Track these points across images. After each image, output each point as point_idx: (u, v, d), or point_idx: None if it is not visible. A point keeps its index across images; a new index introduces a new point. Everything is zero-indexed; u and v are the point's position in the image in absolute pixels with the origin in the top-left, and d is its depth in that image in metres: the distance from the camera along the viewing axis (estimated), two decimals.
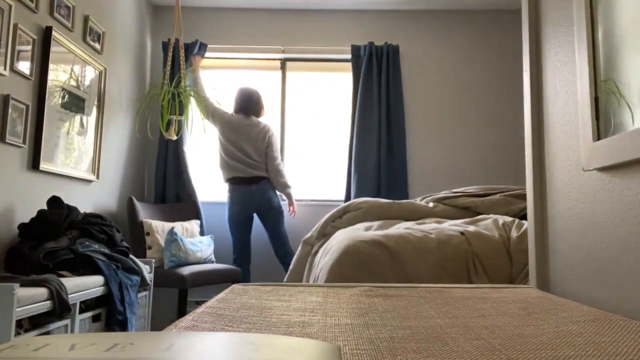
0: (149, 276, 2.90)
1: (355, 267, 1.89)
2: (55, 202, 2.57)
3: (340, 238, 2.12)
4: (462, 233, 2.05)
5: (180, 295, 3.37)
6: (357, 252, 1.92)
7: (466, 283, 1.91)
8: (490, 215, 2.37)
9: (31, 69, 2.61)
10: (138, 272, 2.71)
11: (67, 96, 2.97)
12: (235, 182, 3.72)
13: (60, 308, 2.02)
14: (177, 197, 4.11)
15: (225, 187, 3.85)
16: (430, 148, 4.35)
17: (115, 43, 3.64)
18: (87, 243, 2.53)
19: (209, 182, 4.32)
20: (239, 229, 3.73)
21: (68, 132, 2.99)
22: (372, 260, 1.91)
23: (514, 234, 2.07)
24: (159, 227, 3.54)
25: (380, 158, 4.17)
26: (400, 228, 2.22)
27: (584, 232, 1.23)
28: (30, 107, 2.60)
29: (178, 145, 4.13)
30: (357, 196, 4.03)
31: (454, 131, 4.36)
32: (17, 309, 1.80)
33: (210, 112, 3.86)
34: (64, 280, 2.15)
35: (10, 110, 2.43)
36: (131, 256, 2.78)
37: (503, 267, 1.97)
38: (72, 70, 3.02)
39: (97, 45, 3.32)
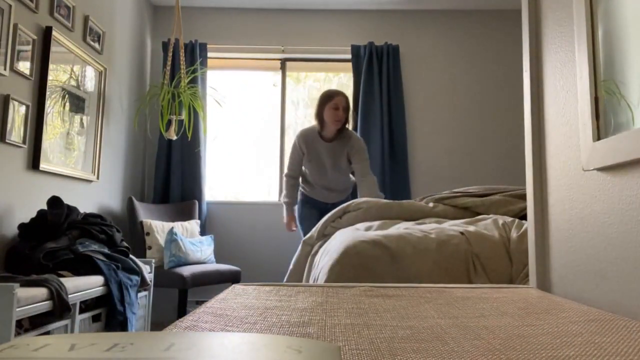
0: (149, 276, 2.90)
1: (355, 267, 1.89)
2: (55, 202, 2.57)
3: (340, 238, 2.12)
4: (462, 233, 2.05)
5: (180, 295, 3.37)
6: (357, 253, 1.92)
7: (466, 283, 1.91)
8: (490, 215, 2.38)
9: (31, 69, 2.61)
10: (138, 272, 2.71)
11: (67, 96, 2.97)
12: None
13: (60, 308, 2.02)
14: (181, 197, 4.10)
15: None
16: (431, 148, 4.35)
17: (115, 43, 3.64)
18: (87, 243, 2.53)
19: (213, 183, 4.32)
20: None
21: (68, 132, 2.99)
22: (372, 260, 1.91)
23: (514, 234, 2.07)
24: (159, 227, 3.54)
25: (384, 159, 4.17)
26: (400, 228, 2.22)
27: (584, 232, 1.23)
28: (30, 107, 2.60)
29: (190, 145, 4.12)
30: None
31: (455, 131, 4.36)
32: (17, 309, 1.80)
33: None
34: (64, 280, 2.15)
35: (10, 110, 2.43)
36: (131, 256, 2.78)
37: (503, 267, 1.97)
38: (72, 70, 3.02)
39: (97, 45, 3.32)
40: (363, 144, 3.32)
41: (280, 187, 4.35)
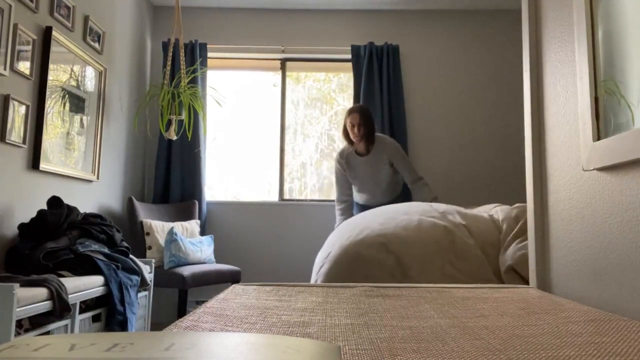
0: (149, 276, 2.90)
1: (352, 265, 1.91)
2: (55, 202, 2.57)
3: (335, 238, 2.13)
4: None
5: (180, 295, 3.37)
6: (354, 253, 1.94)
7: (451, 246, 1.96)
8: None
9: (31, 69, 2.61)
10: (138, 272, 2.71)
11: (67, 96, 2.97)
12: None
13: (60, 308, 2.02)
14: (181, 197, 4.10)
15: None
16: (432, 147, 4.35)
17: (115, 43, 3.64)
18: (87, 243, 2.53)
19: (213, 183, 4.32)
20: None
21: (68, 132, 2.99)
22: (368, 254, 1.93)
23: (500, 215, 2.17)
24: (159, 227, 3.54)
25: None
26: (397, 218, 2.31)
27: (584, 232, 1.23)
28: (30, 107, 2.59)
29: (190, 145, 4.12)
30: None
31: (455, 131, 4.36)
32: (17, 309, 1.80)
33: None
34: (64, 280, 2.15)
35: (10, 110, 2.43)
36: (131, 256, 2.78)
37: (491, 234, 2.09)
38: (72, 70, 3.02)
39: (97, 45, 3.32)
40: (396, 146, 3.41)
41: (281, 187, 4.35)
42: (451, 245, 1.96)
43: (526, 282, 1.85)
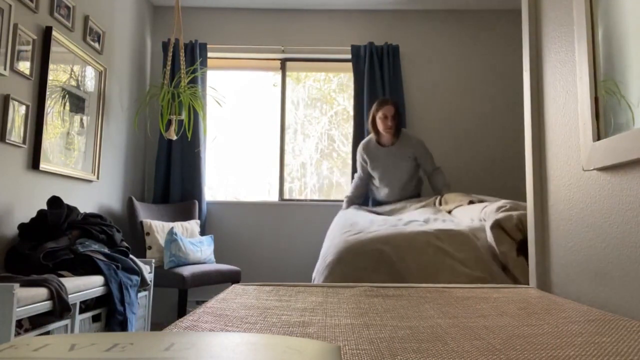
0: (149, 276, 2.90)
1: (351, 256, 1.98)
2: (55, 202, 2.57)
3: (332, 238, 2.16)
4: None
5: (180, 295, 3.37)
6: (354, 254, 1.97)
7: (443, 234, 2.12)
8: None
9: (31, 69, 2.61)
10: (138, 272, 2.71)
11: (67, 96, 2.97)
12: None
13: (60, 308, 2.02)
14: (181, 197, 4.10)
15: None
16: (431, 148, 4.35)
17: (115, 43, 3.64)
18: (87, 243, 2.53)
19: (213, 183, 4.32)
20: None
21: (68, 132, 2.99)
22: (365, 247, 2.01)
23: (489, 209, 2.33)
24: (159, 227, 3.54)
25: None
26: (387, 225, 2.41)
27: (584, 232, 1.23)
28: (30, 107, 2.60)
29: (190, 145, 4.12)
30: None
31: (454, 131, 4.36)
32: (17, 309, 1.80)
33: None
34: (64, 280, 2.15)
35: (10, 110, 2.43)
36: (131, 256, 2.78)
37: (481, 227, 2.23)
38: (72, 70, 3.02)
39: (97, 45, 3.32)
40: (422, 143, 3.49)
41: (281, 187, 4.35)
42: (443, 232, 2.13)
43: (512, 239, 2.01)
